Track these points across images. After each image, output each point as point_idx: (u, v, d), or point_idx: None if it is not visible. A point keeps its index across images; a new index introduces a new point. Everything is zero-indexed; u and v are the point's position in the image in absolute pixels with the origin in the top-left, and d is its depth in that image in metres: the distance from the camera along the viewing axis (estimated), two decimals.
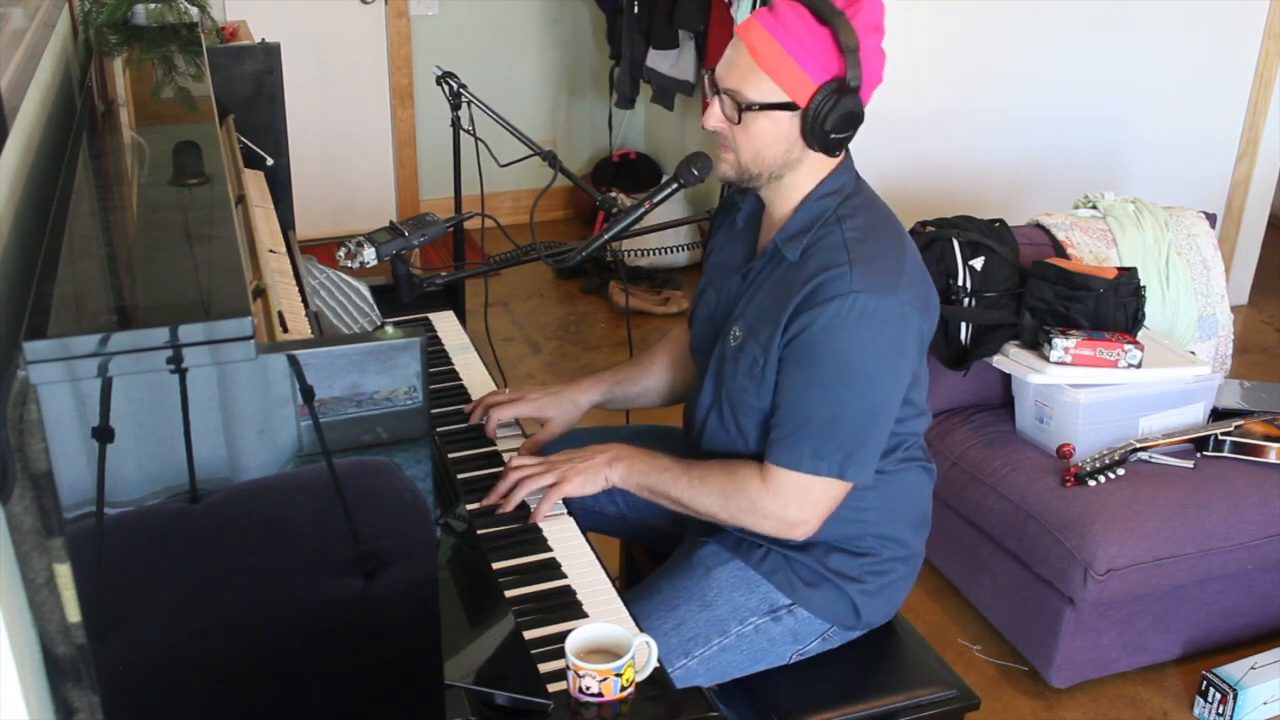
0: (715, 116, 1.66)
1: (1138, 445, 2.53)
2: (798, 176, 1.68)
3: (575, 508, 1.81)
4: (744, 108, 1.61)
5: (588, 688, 1.35)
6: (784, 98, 1.60)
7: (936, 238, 2.71)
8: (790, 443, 1.65)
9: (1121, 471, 2.48)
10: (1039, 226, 2.97)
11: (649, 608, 1.75)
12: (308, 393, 1.03)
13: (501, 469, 1.87)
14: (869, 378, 1.63)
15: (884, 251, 1.65)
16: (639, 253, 2.97)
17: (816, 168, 1.68)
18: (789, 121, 1.62)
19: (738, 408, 1.74)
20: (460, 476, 1.85)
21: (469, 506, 1.77)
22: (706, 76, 1.68)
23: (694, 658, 1.74)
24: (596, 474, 1.75)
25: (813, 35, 1.57)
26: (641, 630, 1.51)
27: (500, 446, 1.96)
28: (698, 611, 1.75)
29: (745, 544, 1.79)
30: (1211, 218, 3.07)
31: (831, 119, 1.59)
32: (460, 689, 1.32)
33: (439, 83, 2.77)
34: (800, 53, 1.57)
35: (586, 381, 2.04)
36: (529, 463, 1.79)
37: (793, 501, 1.67)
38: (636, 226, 2.08)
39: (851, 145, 1.74)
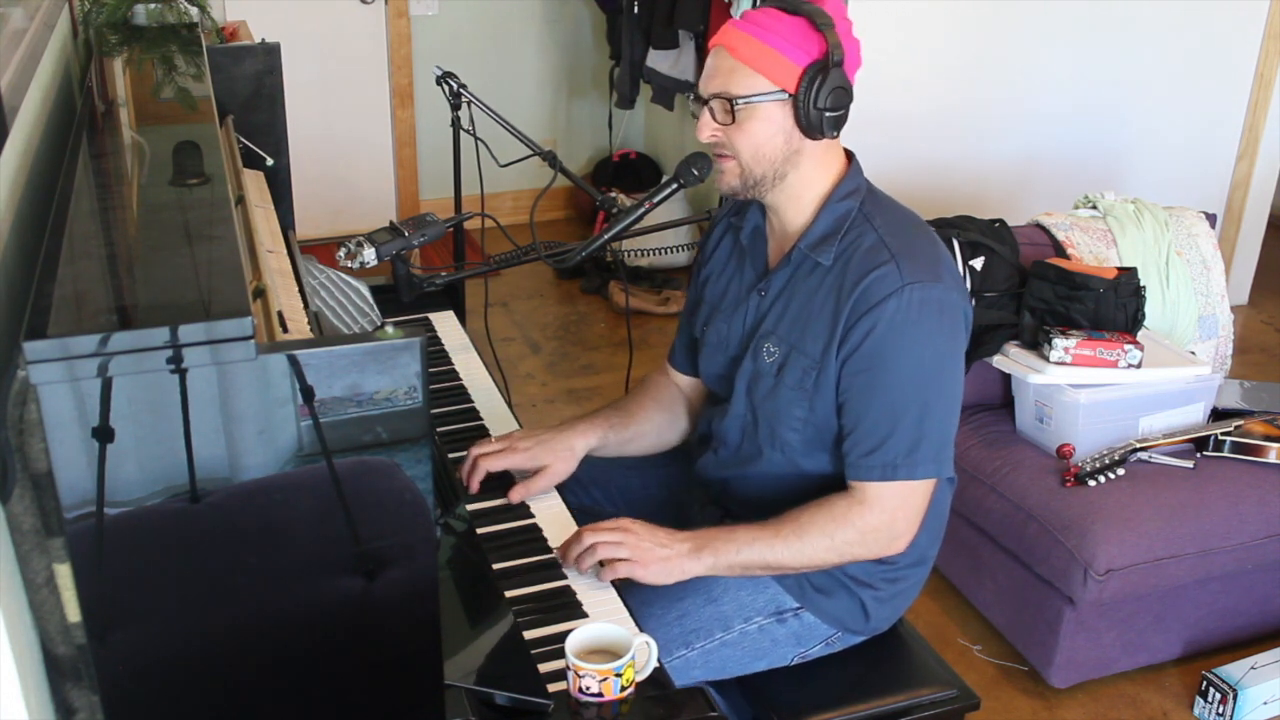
0: (708, 126, 1.65)
1: (1138, 445, 2.53)
2: (801, 175, 1.67)
3: (574, 508, 1.81)
4: (735, 106, 1.61)
5: (588, 688, 1.35)
6: (772, 87, 1.60)
7: None
8: (881, 454, 1.62)
9: (1121, 471, 2.48)
10: (1039, 226, 2.97)
11: (652, 597, 1.74)
12: (308, 393, 1.03)
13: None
14: (941, 368, 1.63)
15: (919, 243, 1.66)
16: (639, 253, 2.97)
17: (819, 163, 1.67)
18: (781, 111, 1.61)
19: (780, 422, 1.72)
20: (460, 477, 1.85)
21: (469, 506, 1.76)
22: (691, 98, 1.67)
23: (694, 649, 1.73)
24: (674, 567, 1.63)
25: (788, 25, 1.59)
26: (643, 621, 1.51)
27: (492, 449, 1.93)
28: (702, 606, 1.75)
29: None
30: (1211, 218, 3.07)
31: (823, 97, 1.59)
32: (460, 689, 1.32)
33: (439, 83, 2.77)
34: (780, 42, 1.59)
35: (580, 425, 1.89)
36: (604, 528, 1.65)
37: (899, 512, 1.65)
38: (636, 226, 2.08)
39: (851, 145, 1.74)
